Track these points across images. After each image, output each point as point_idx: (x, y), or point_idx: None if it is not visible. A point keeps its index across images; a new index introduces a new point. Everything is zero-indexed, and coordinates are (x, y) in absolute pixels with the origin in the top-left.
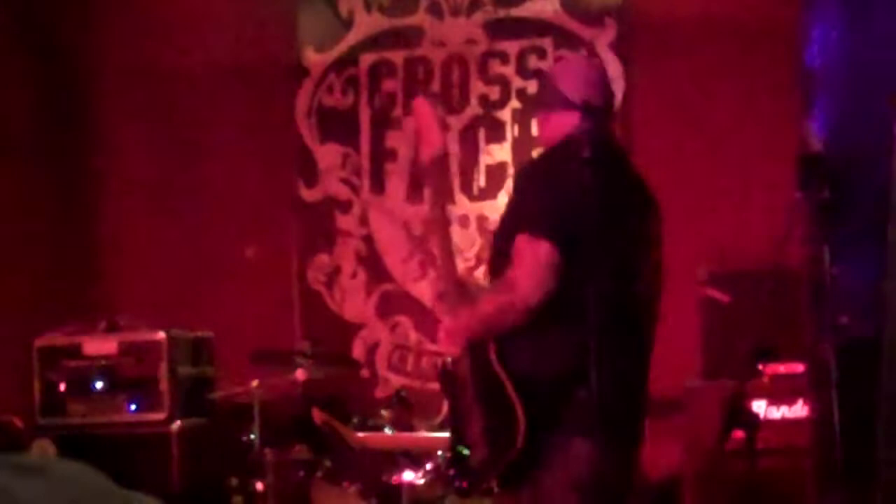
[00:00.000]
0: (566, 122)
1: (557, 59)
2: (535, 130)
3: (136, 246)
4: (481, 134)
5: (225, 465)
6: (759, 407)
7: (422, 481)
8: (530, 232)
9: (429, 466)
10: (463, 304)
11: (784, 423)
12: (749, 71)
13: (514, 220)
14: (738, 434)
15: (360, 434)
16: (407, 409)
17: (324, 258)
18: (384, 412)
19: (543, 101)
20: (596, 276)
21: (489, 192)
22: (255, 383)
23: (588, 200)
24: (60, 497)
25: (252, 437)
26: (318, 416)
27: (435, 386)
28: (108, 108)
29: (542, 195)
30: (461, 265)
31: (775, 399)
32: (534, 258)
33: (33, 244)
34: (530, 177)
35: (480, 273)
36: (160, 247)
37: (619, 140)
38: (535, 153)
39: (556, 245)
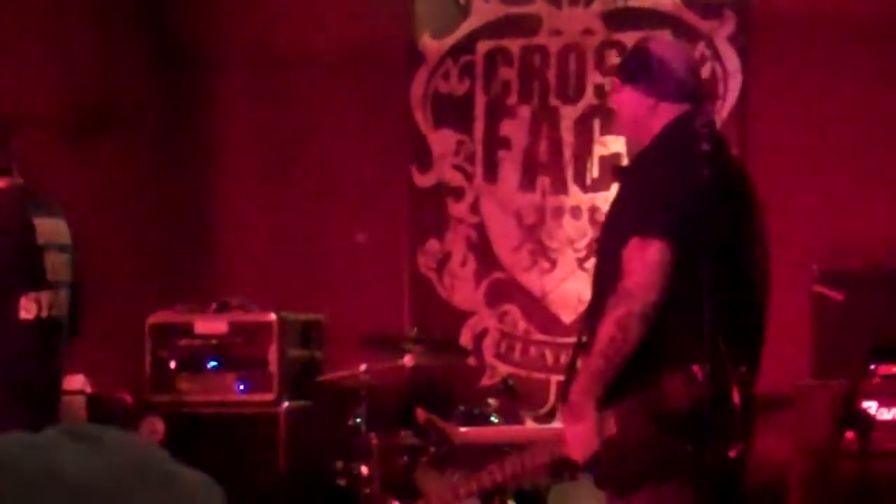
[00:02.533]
0: (672, 113)
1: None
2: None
3: (248, 228)
4: (596, 124)
5: (330, 448)
6: (870, 408)
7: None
8: (641, 234)
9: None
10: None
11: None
12: (872, 67)
13: (624, 223)
14: (850, 435)
15: (464, 429)
16: (513, 398)
17: (435, 244)
18: (491, 401)
19: (654, 87)
20: (714, 271)
21: (602, 183)
22: (362, 368)
23: (705, 196)
24: (101, 461)
25: (358, 421)
26: (421, 415)
27: (541, 375)
28: (224, 91)
29: (655, 193)
30: (572, 256)
31: (887, 400)
32: (643, 262)
33: (149, 224)
34: (642, 174)
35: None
36: (272, 229)
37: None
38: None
39: (669, 242)
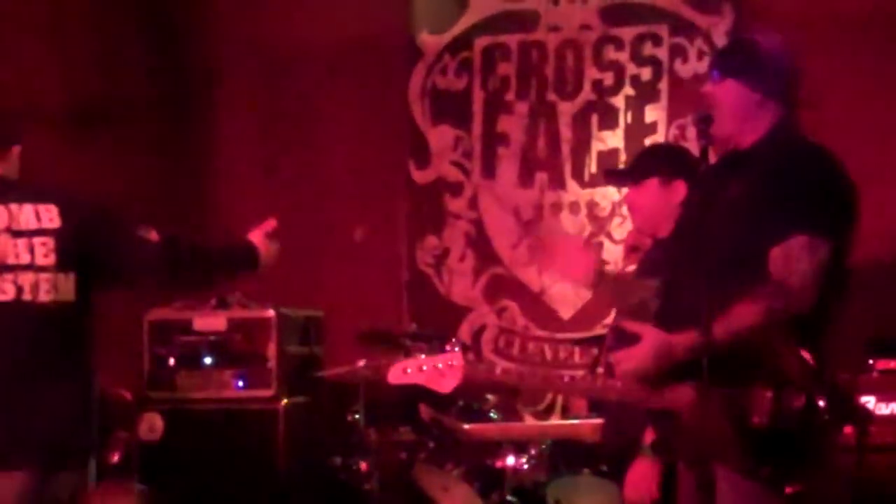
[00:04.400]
0: (777, 111)
1: (758, 32)
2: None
3: (247, 224)
4: (594, 120)
5: (329, 443)
6: (868, 402)
7: (525, 466)
8: (811, 233)
9: (532, 452)
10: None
11: (893, 419)
12: (866, 66)
13: (779, 218)
14: (847, 429)
15: (468, 426)
16: (512, 395)
17: (433, 240)
18: (489, 397)
19: (763, 83)
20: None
21: (600, 179)
22: (361, 363)
23: (848, 201)
24: None
25: (357, 416)
26: (425, 412)
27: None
28: (223, 87)
29: (820, 193)
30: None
31: (885, 395)
32: (814, 262)
33: (147, 220)
34: (796, 172)
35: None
36: None
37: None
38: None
39: (834, 246)
